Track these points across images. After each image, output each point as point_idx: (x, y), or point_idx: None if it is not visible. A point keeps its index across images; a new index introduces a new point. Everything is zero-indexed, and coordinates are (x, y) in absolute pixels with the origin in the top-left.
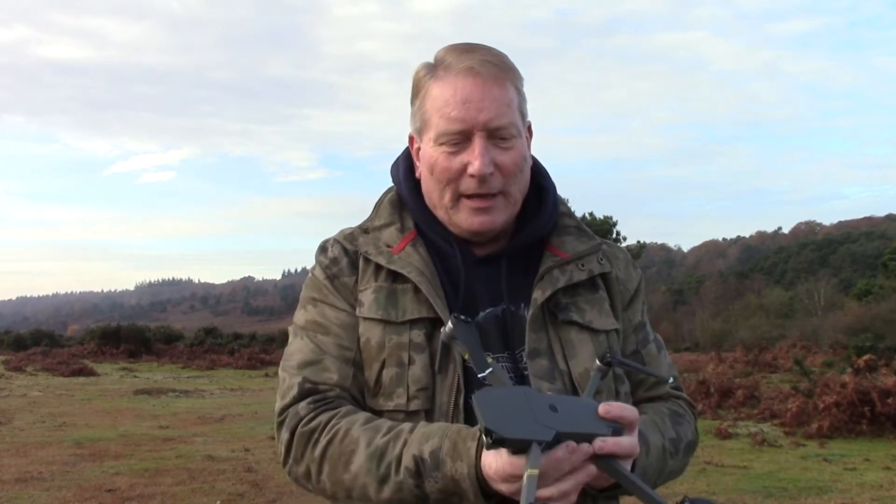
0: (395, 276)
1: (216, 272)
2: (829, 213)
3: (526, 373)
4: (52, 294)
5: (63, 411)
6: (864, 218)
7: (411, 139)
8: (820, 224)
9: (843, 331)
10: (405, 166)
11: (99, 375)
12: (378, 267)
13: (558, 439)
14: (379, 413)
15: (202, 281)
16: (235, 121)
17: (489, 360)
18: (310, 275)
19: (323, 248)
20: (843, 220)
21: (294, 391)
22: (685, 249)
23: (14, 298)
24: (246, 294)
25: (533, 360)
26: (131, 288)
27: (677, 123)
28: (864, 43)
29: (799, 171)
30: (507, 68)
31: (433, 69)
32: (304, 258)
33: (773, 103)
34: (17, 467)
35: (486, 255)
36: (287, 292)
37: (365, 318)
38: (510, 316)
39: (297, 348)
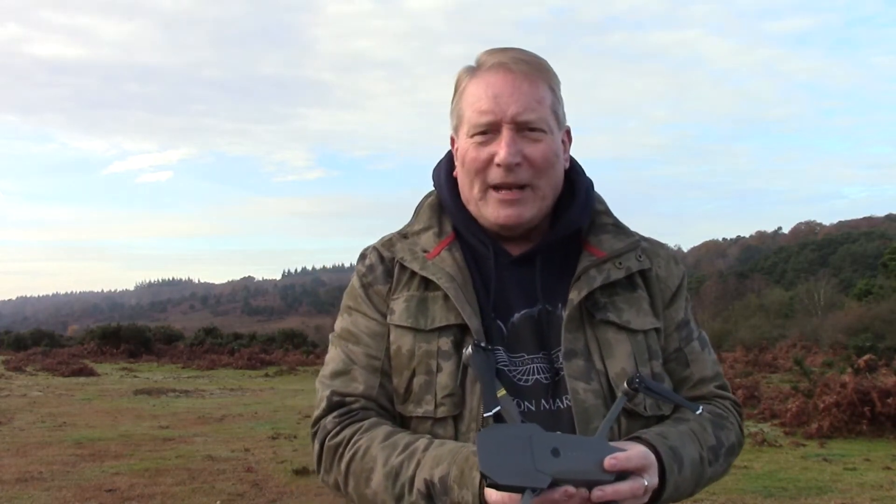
0: (427, 283)
1: (216, 272)
2: (829, 213)
3: (562, 373)
4: (52, 294)
5: (63, 411)
6: (864, 218)
7: (452, 140)
8: (820, 224)
9: (843, 331)
10: (447, 168)
11: (99, 375)
12: (412, 274)
13: (556, 483)
14: (409, 419)
15: (202, 281)
16: (231, 120)
17: (500, 393)
18: (351, 282)
19: (362, 256)
20: (842, 220)
21: (324, 404)
22: (685, 249)
23: (14, 298)
24: (246, 294)
25: (569, 360)
26: (131, 288)
27: (675, 122)
28: (862, 41)
29: (798, 171)
30: (542, 68)
31: (472, 70)
32: (303, 258)
33: (771, 102)
34: (17, 467)
35: (520, 255)
36: (287, 292)
37: (396, 326)
38: (546, 316)
39: (330, 357)
